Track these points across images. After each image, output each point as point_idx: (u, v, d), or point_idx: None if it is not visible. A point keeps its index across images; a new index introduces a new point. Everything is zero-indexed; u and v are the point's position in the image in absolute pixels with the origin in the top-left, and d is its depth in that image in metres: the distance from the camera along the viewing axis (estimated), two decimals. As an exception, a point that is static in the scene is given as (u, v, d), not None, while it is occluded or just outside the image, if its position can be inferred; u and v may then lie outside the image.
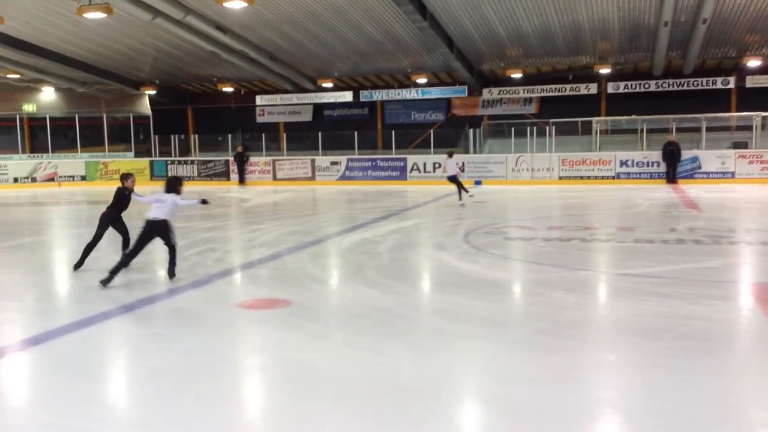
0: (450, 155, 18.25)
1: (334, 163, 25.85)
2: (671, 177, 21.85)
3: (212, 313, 6.17)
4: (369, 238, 10.83)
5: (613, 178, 22.67)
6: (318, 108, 30.67)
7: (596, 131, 25.34)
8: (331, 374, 4.55)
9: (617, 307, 6.47)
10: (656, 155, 22.40)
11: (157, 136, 30.78)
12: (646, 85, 25.56)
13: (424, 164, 24.63)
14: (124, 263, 7.23)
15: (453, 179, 17.12)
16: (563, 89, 26.45)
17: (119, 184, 8.34)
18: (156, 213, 7.33)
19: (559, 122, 24.98)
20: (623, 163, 22.88)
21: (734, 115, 25.30)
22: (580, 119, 25.71)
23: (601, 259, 9.26)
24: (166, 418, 3.89)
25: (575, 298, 6.59)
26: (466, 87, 27.23)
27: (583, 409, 3.95)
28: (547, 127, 24.77)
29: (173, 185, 7.68)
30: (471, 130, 26.85)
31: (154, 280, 7.76)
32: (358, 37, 22.09)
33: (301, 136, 29.54)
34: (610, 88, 26.02)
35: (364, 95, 28.84)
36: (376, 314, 6.11)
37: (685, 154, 22.10)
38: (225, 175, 26.73)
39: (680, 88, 25.10)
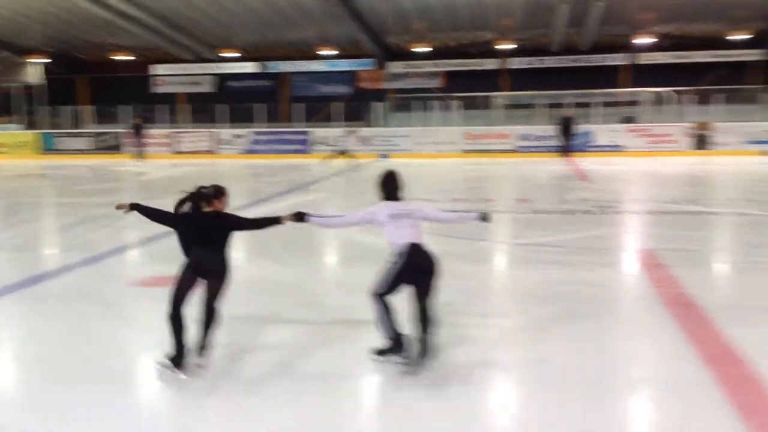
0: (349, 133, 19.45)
1: (238, 136, 25.19)
2: (565, 151, 22.67)
3: (104, 292, 5.90)
4: (273, 212, 10.65)
5: (513, 151, 23.30)
6: (222, 79, 29.75)
7: (497, 106, 25.92)
8: (233, 354, 4.46)
9: (515, 276, 6.72)
10: (553, 129, 23.16)
11: (48, 108, 28.92)
12: (546, 61, 26.38)
13: (330, 138, 24.42)
14: (399, 341, 4.06)
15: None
16: (467, 64, 26.86)
17: (178, 206, 4.62)
18: (414, 235, 4.44)
19: (463, 97, 25.37)
20: (523, 137, 23.56)
21: (624, 91, 26.52)
22: (482, 94, 26.21)
23: (500, 229, 9.53)
24: (54, 401, 3.72)
25: (475, 267, 6.76)
26: (373, 60, 27.13)
27: (476, 373, 4.07)
28: (452, 102, 25.12)
29: (395, 186, 4.49)
30: (377, 104, 26.84)
31: (39, 258, 7.34)
32: (261, 4, 21.48)
33: (204, 108, 28.53)
34: (512, 63, 26.67)
35: (269, 66, 28.20)
36: (279, 288, 6.05)
37: (579, 128, 22.98)
38: (117, 148, 25.49)
39: (577, 64, 26.10)
